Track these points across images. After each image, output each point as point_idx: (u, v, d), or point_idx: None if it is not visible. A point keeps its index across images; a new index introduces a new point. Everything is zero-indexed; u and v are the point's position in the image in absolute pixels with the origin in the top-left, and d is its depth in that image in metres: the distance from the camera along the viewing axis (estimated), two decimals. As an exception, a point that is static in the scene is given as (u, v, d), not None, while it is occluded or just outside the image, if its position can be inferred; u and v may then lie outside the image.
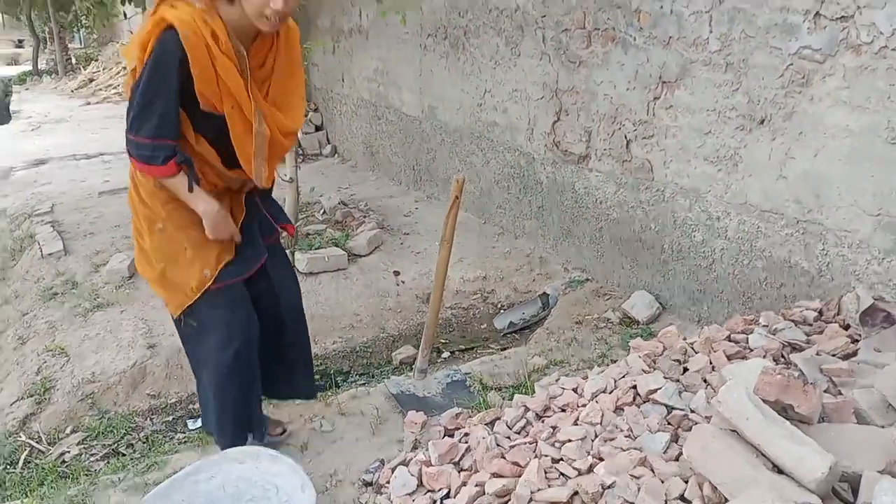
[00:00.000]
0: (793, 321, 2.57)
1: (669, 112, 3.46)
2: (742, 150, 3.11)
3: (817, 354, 2.32)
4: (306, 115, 8.00)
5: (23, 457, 3.24)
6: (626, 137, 3.76)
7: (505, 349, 3.79)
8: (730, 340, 2.46)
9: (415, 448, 2.63)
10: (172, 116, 2.13)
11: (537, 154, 4.53)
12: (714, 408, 1.80)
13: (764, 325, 2.55)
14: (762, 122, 3.00)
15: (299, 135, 4.89)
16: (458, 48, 5.19)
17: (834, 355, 2.32)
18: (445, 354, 3.92)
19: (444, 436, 2.61)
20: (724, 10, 3.08)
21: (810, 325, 2.56)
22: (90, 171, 8.06)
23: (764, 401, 1.77)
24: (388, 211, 5.69)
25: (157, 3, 2.13)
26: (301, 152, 7.62)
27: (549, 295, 4.17)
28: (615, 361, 3.21)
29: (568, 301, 4.00)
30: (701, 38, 3.23)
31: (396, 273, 4.56)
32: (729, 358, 2.34)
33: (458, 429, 2.61)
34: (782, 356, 2.36)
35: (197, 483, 2.23)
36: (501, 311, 4.30)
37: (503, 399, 2.95)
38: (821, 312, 2.63)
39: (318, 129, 8.17)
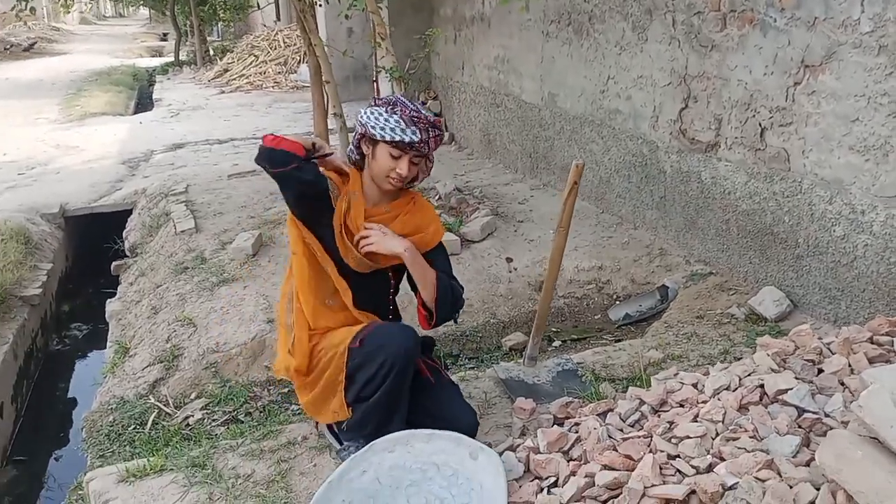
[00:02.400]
0: (945, 325, 2.33)
1: (811, 98, 3.22)
2: (894, 138, 2.85)
3: (973, 362, 2.10)
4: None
5: (151, 418, 3.43)
6: (760, 125, 3.54)
7: (619, 341, 3.66)
8: (871, 342, 2.26)
9: (522, 434, 2.57)
10: None
11: (661, 142, 4.34)
12: (854, 413, 1.65)
13: (911, 328, 2.33)
14: (918, 107, 2.74)
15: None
16: (582, 34, 5.06)
17: None
18: (556, 343, 3.84)
19: (554, 424, 2.55)
20: (877, -13, 2.83)
21: (967, 330, 2.32)
22: (221, 155, 8.48)
23: (912, 407, 1.61)
24: (502, 198, 5.64)
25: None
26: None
27: (668, 287, 4.00)
28: (739, 359, 3.05)
29: (689, 294, 3.82)
30: (851, 19, 2.98)
31: (509, 260, 4.51)
32: (871, 361, 2.16)
33: (567, 418, 2.54)
34: (932, 361, 2.15)
35: (351, 482, 2.23)
36: (617, 302, 4.17)
37: (616, 391, 2.85)
38: (979, 317, 2.37)
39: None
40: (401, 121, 2.27)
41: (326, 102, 6.97)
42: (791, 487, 1.66)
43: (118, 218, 6.78)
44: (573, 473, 2.08)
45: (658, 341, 3.32)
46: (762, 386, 2.10)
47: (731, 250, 3.87)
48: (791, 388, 2.03)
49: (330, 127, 6.79)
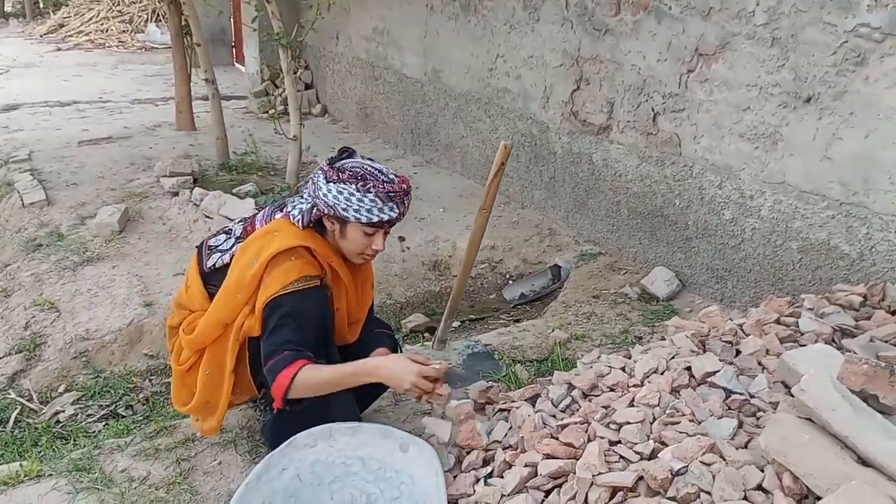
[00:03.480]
0: (839, 305, 2.50)
1: (704, 86, 3.35)
2: (784, 128, 3.02)
3: (871, 341, 2.26)
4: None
5: (13, 416, 3.06)
6: (653, 110, 3.64)
7: (518, 321, 3.68)
8: (779, 323, 2.38)
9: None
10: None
11: (552, 123, 4.39)
12: (797, 397, 1.71)
13: (809, 309, 2.48)
14: (808, 100, 2.90)
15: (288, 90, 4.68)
16: (470, 10, 5.00)
17: (886, 342, 2.26)
18: (456, 324, 3.80)
19: (475, 410, 2.50)
20: (773, -19, 2.96)
21: (856, 310, 2.50)
22: (65, 119, 7.72)
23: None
24: (386, 175, 5.50)
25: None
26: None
27: (560, 267, 4.07)
28: (639, 338, 3.15)
29: (581, 274, 3.90)
30: (746, 11, 3.10)
31: (401, 239, 4.41)
32: (781, 341, 2.27)
33: (488, 403, 2.49)
34: (833, 341, 2.29)
35: (270, 481, 2.06)
36: (510, 281, 4.19)
37: (530, 374, 2.85)
38: (865, 297, 2.57)
39: (307, 87, 7.90)
40: (376, 199, 2.02)
41: (189, 66, 6.51)
42: (737, 470, 1.70)
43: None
44: (509, 463, 2.04)
45: (559, 321, 3.36)
46: (689, 369, 2.15)
47: (621, 231, 3.98)
48: (718, 371, 2.09)
49: (197, 94, 6.35)
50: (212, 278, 2.25)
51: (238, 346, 2.17)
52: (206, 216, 4.45)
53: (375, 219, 2.05)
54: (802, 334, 2.31)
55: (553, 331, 3.23)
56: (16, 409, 3.08)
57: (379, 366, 2.08)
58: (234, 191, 4.86)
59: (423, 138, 5.87)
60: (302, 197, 2.20)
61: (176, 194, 4.83)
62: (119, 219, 4.36)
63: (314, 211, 2.12)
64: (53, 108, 8.25)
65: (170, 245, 4.27)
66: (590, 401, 2.19)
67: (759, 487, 1.67)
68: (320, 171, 2.12)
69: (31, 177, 5.34)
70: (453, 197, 5.00)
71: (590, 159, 4.13)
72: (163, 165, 5.20)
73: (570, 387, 2.27)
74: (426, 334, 3.70)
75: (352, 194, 2.03)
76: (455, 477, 2.10)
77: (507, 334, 3.26)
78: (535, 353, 3.02)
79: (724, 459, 1.76)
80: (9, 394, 3.16)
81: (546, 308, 3.71)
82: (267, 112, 7.56)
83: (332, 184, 2.05)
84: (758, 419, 1.96)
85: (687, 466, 1.74)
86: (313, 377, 2.04)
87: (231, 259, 2.21)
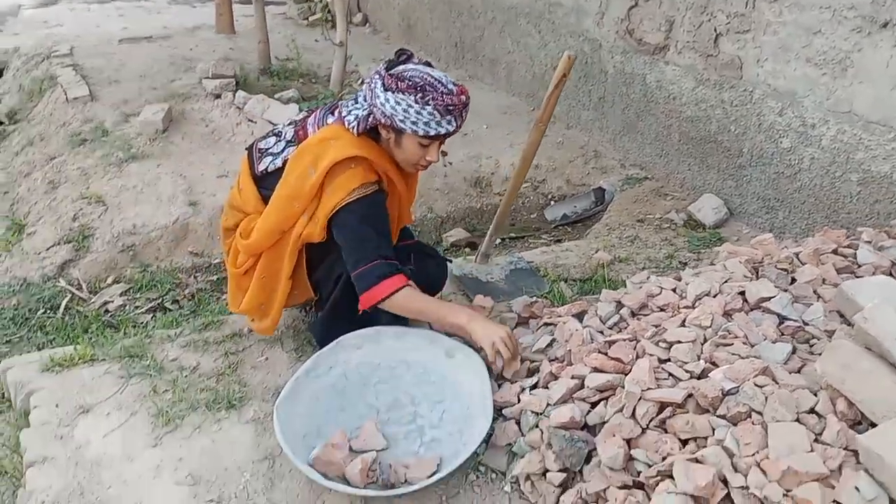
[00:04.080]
0: (898, 240, 2.44)
1: (773, 6, 3.19)
2: (855, 54, 2.88)
3: (931, 277, 2.21)
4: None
5: (64, 302, 3.13)
6: (715, 30, 3.49)
7: (559, 241, 3.67)
8: (836, 254, 2.33)
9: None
10: None
11: (605, 41, 4.24)
12: (858, 325, 1.69)
13: (867, 241, 2.43)
14: (885, 25, 2.76)
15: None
16: (526, -85, 4.79)
17: (946, 279, 2.21)
18: (496, 241, 3.78)
19: (518, 324, 2.52)
20: None
21: (916, 245, 2.44)
22: (104, 16, 7.66)
23: (913, 321, 1.66)
24: (429, 88, 5.41)
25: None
26: (330, 18, 7.19)
27: (604, 190, 4.01)
28: (684, 264, 3.12)
29: (626, 198, 3.85)
30: (826, -75, 2.93)
31: (444, 154, 4.35)
32: (838, 272, 2.23)
33: (532, 317, 2.50)
34: (891, 274, 2.24)
35: (318, 378, 2.12)
36: (552, 202, 4.15)
37: (573, 292, 2.85)
38: (926, 233, 2.50)
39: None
40: (435, 112, 1.98)
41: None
42: (790, 393, 1.70)
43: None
44: (555, 375, 2.06)
45: (603, 243, 3.33)
46: (742, 293, 2.12)
47: (670, 156, 3.90)
48: (773, 297, 2.06)
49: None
50: (264, 181, 2.24)
51: (296, 254, 2.19)
52: (250, 120, 4.42)
53: (433, 132, 2.02)
54: (860, 266, 2.26)
55: (597, 252, 3.21)
56: (66, 296, 3.15)
57: (473, 318, 2.09)
58: (276, 96, 4.81)
59: (468, 52, 5.73)
60: (357, 101, 2.16)
61: (218, 96, 4.79)
62: (163, 118, 4.35)
63: (370, 119, 2.09)
64: (92, 5, 8.18)
65: (213, 146, 4.27)
66: (638, 319, 2.19)
67: (812, 411, 1.67)
68: (377, 77, 2.07)
69: (74, 72, 5.33)
70: (497, 114, 4.91)
71: (643, 80, 4.00)
72: (204, 67, 5.14)
73: (619, 305, 2.26)
74: (467, 249, 3.70)
75: (410, 106, 1.98)
76: (500, 385, 2.12)
77: (549, 253, 3.25)
78: (578, 273, 3.01)
79: (777, 382, 1.76)
80: (59, 282, 3.24)
81: (588, 230, 3.68)
82: (307, 18, 7.41)
83: (390, 93, 2.00)
84: (811, 346, 1.94)
85: (738, 387, 1.74)
86: (410, 301, 2.09)
87: (283, 163, 2.19)
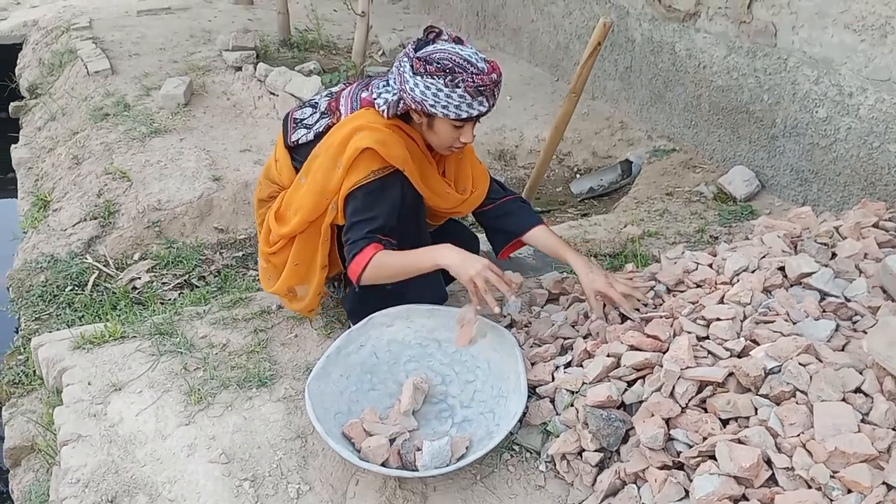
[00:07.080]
0: (942, 214, 2.38)
1: (810, -30, 3.09)
2: (897, 19, 2.79)
3: (977, 252, 2.15)
4: None
5: (91, 279, 3.14)
6: (749, -5, 3.39)
7: (585, 215, 3.61)
8: (877, 227, 2.27)
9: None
10: None
11: (633, 8, 4.14)
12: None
13: (910, 215, 2.36)
14: (930, -12, 2.66)
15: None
16: None
17: None
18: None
19: (548, 301, 2.49)
20: None
21: (958, 218, 2.37)
22: (122, -13, 7.58)
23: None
24: (451, 58, 5.33)
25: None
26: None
27: (631, 162, 3.94)
28: (715, 238, 3.06)
29: (654, 171, 3.77)
30: None
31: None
32: (880, 246, 2.17)
33: (562, 294, 2.47)
34: (935, 250, 2.18)
35: (349, 355, 2.11)
36: (578, 175, 4.09)
37: (604, 267, 2.80)
38: (968, 206, 2.43)
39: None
40: (465, 95, 1.91)
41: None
42: (836, 371, 1.66)
43: (4, 52, 6.01)
44: (590, 353, 2.03)
45: (632, 217, 3.27)
46: (782, 269, 2.08)
47: (700, 127, 3.81)
48: (814, 272, 2.01)
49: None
50: (296, 152, 2.21)
51: (329, 242, 2.20)
52: (272, 93, 4.37)
53: (464, 115, 1.97)
54: (902, 241, 2.21)
55: (625, 226, 3.15)
56: (93, 273, 3.16)
57: (445, 253, 2.04)
58: (297, 68, 4.75)
59: (490, 21, 5.63)
60: (388, 84, 2.11)
61: (239, 69, 4.75)
62: (185, 91, 4.32)
63: (401, 105, 2.04)
64: (108, -23, 8.11)
65: (235, 120, 4.24)
66: (674, 296, 2.15)
67: (858, 390, 1.63)
68: (406, 60, 2.02)
69: (94, 45, 5.30)
70: (520, 84, 4.83)
71: (672, 49, 3.91)
72: (224, 39, 5.09)
73: (655, 281, 2.22)
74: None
75: (440, 90, 1.93)
76: (533, 364, 2.10)
77: (577, 227, 3.20)
78: (608, 248, 2.96)
79: (821, 361, 1.72)
80: (86, 258, 3.24)
81: (616, 203, 3.62)
82: (326, -12, 7.30)
83: (419, 77, 1.95)
84: (854, 323, 1.90)
85: (781, 365, 1.71)
86: (383, 269, 2.05)
87: (315, 137, 2.16)
